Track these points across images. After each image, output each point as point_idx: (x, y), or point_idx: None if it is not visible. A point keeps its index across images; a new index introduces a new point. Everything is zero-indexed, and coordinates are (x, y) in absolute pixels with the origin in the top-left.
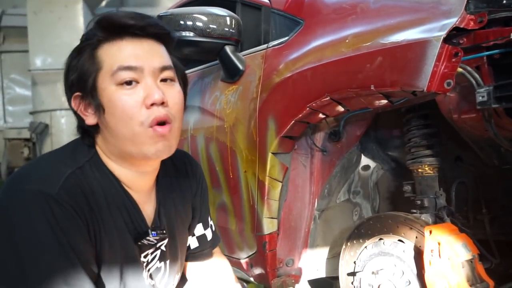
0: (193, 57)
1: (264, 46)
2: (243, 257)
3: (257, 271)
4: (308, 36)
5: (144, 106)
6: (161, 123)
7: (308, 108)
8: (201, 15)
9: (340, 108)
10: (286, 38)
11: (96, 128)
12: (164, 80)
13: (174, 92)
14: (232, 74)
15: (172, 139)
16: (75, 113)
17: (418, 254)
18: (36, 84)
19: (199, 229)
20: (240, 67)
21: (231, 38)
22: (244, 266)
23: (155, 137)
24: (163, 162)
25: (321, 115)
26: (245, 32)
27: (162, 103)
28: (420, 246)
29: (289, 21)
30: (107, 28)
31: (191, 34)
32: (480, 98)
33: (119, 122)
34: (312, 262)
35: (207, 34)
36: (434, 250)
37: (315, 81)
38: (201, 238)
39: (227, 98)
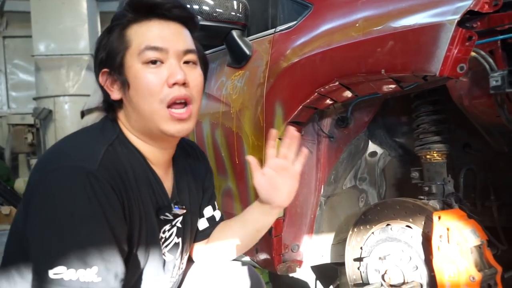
0: (199, 41)
1: (272, 30)
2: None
3: (262, 256)
4: (317, 20)
5: (166, 84)
6: (180, 102)
7: (316, 93)
8: None
9: (349, 94)
10: (294, 22)
11: (119, 103)
12: (186, 62)
13: (195, 75)
14: (239, 59)
15: (191, 120)
16: (102, 88)
17: (426, 240)
18: (40, 70)
19: (208, 211)
20: (247, 52)
21: (238, 22)
22: (250, 251)
23: (172, 118)
24: (180, 143)
25: (329, 101)
26: (252, 16)
27: (184, 84)
28: (428, 232)
29: (298, 5)
30: (137, 8)
31: (198, 18)
32: (494, 82)
33: (141, 99)
34: (317, 248)
35: (214, 18)
36: (443, 236)
37: (324, 66)
38: (211, 219)
39: (234, 83)
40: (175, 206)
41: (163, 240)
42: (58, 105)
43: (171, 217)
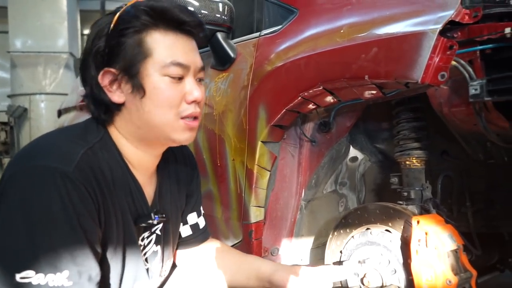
0: None
1: (257, 34)
2: (228, 245)
3: None
4: (302, 25)
5: (184, 100)
6: (192, 117)
7: (300, 97)
8: (193, 0)
9: (332, 99)
10: (280, 27)
11: (118, 106)
12: (198, 79)
13: (203, 92)
14: (223, 61)
15: (196, 130)
16: (98, 87)
17: (405, 244)
18: (16, 67)
19: (192, 218)
20: (232, 54)
21: (223, 24)
22: None
23: (185, 128)
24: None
25: (312, 105)
26: (237, 19)
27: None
28: (406, 236)
29: (283, 10)
30: (159, 16)
31: None
32: (473, 91)
33: (157, 109)
34: (296, 252)
35: None
36: (421, 240)
37: (308, 70)
38: (194, 226)
39: (217, 85)
40: (155, 215)
41: (141, 247)
42: (33, 103)
43: (152, 224)
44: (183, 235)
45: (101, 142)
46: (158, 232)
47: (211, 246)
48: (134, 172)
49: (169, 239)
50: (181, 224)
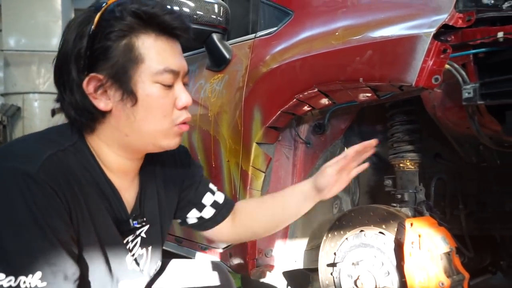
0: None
1: (252, 36)
2: (223, 246)
3: (236, 261)
4: (297, 27)
5: (175, 107)
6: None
7: (295, 99)
8: (189, 1)
9: (327, 101)
10: (275, 28)
11: (103, 114)
12: (184, 83)
13: (190, 97)
14: (218, 62)
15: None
16: (82, 94)
17: (398, 246)
18: (9, 65)
19: (208, 199)
20: (227, 56)
21: (218, 26)
22: (223, 255)
23: (178, 134)
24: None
25: (307, 107)
26: (232, 21)
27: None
28: (400, 238)
29: (278, 12)
30: (148, 21)
31: None
32: (466, 94)
33: (149, 117)
34: (290, 253)
35: (194, 20)
36: (414, 242)
37: (304, 72)
38: (215, 204)
39: (212, 86)
40: (134, 221)
41: (129, 250)
42: (27, 102)
43: (132, 229)
44: (207, 216)
45: (75, 146)
46: (143, 234)
47: (243, 207)
48: (111, 176)
49: (157, 240)
50: (197, 210)
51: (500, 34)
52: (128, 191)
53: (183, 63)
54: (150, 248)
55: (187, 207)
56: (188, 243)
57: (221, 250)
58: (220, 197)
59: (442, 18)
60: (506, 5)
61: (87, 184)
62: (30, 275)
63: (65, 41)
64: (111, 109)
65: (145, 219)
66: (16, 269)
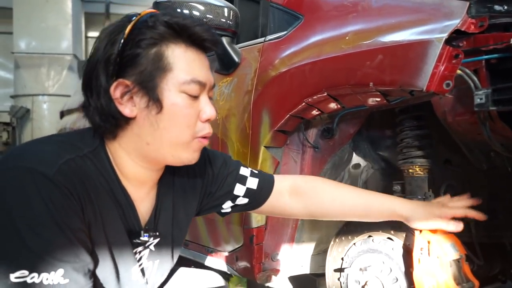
0: None
1: (261, 39)
2: (229, 250)
3: (242, 264)
4: (307, 31)
5: (199, 119)
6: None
7: (304, 103)
8: (199, 4)
9: (336, 105)
10: (285, 32)
11: (127, 120)
12: (209, 97)
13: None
14: (227, 66)
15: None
16: (109, 99)
17: (407, 252)
18: (19, 67)
19: (239, 189)
20: (236, 59)
21: (228, 29)
22: (229, 259)
23: (198, 148)
24: None
25: (316, 111)
26: (242, 24)
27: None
28: (409, 244)
29: (288, 16)
30: (180, 32)
31: None
32: (478, 100)
33: (174, 126)
34: (297, 258)
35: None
36: (423, 249)
37: (313, 76)
38: (248, 193)
39: (221, 89)
40: (145, 234)
41: (137, 260)
42: (36, 104)
43: (142, 242)
44: (240, 203)
45: (94, 152)
46: (151, 247)
47: (317, 186)
48: (127, 186)
49: (167, 254)
50: (231, 202)
51: None
52: (143, 203)
53: (210, 76)
54: (157, 262)
55: (220, 202)
56: (194, 246)
57: (227, 254)
58: (253, 183)
59: (454, 23)
60: None
61: (103, 191)
62: (53, 272)
63: (96, 49)
64: (135, 116)
65: (157, 233)
66: (39, 266)
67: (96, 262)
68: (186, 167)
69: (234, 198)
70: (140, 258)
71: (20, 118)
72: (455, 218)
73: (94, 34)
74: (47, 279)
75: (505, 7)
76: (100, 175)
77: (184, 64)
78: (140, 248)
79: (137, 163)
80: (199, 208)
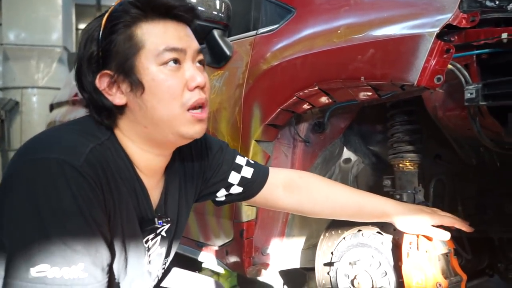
0: None
1: (253, 32)
2: (219, 244)
3: (233, 258)
4: (299, 25)
5: (186, 88)
6: (198, 106)
7: (295, 97)
8: None
9: (327, 99)
10: (277, 26)
11: (121, 109)
12: (198, 63)
13: (206, 77)
14: (219, 59)
15: (206, 122)
16: (97, 92)
17: (396, 246)
18: (8, 59)
19: (234, 177)
20: (227, 52)
21: (219, 22)
22: (219, 253)
23: (194, 120)
24: None
25: (307, 105)
26: (234, 17)
27: (202, 87)
28: (398, 239)
29: (280, 9)
30: (148, 7)
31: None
32: (469, 95)
33: (160, 102)
34: (287, 252)
35: None
36: (412, 243)
37: (304, 70)
38: (242, 181)
39: (212, 83)
40: (159, 220)
41: (147, 249)
42: (25, 97)
43: (155, 228)
44: (234, 192)
45: (109, 141)
46: (163, 233)
47: (309, 182)
48: (141, 176)
49: (175, 238)
50: (225, 190)
51: (504, 35)
52: (154, 190)
53: (190, 42)
54: (168, 247)
55: (214, 189)
56: (185, 240)
57: (217, 248)
58: (248, 172)
59: (446, 17)
60: (510, 6)
61: (120, 180)
62: (74, 266)
63: (79, 48)
64: (126, 103)
65: (168, 218)
66: (61, 261)
67: (113, 256)
68: (185, 152)
69: (228, 186)
70: (153, 245)
71: (9, 111)
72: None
73: (84, 26)
74: (68, 273)
75: (497, 2)
76: (117, 163)
77: (154, 37)
78: (152, 235)
79: (145, 150)
80: (197, 194)
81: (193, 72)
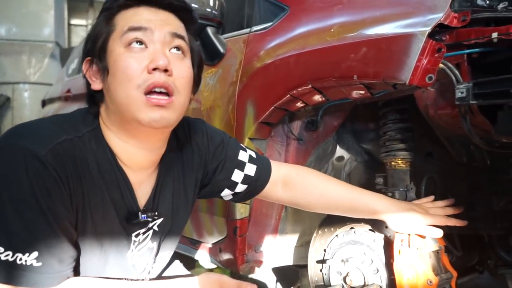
0: None
1: (247, 30)
2: (212, 241)
3: (226, 256)
4: (292, 23)
5: (146, 70)
6: (160, 92)
7: (288, 95)
8: None
9: (320, 97)
10: (270, 23)
11: (101, 95)
12: (175, 49)
13: (182, 65)
14: (212, 56)
15: (172, 111)
16: (85, 78)
17: (387, 244)
18: None
19: (237, 175)
20: (221, 50)
21: (213, 19)
22: (213, 250)
23: (149, 105)
24: (169, 139)
25: (300, 103)
26: (227, 15)
27: (166, 71)
28: (389, 236)
29: (274, 7)
30: None
31: (195, 12)
32: (459, 94)
33: (118, 85)
34: (280, 250)
35: None
36: (404, 240)
37: (298, 68)
38: (246, 179)
39: (206, 80)
40: (143, 215)
41: (136, 243)
42: (17, 92)
43: (143, 222)
44: (239, 190)
45: (92, 133)
46: (155, 228)
47: (306, 179)
48: (125, 169)
49: (171, 234)
50: (229, 190)
51: (495, 35)
52: (143, 184)
53: (162, 25)
54: (161, 241)
55: (218, 188)
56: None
57: (210, 245)
58: (251, 170)
59: (438, 17)
60: (501, 6)
61: (97, 173)
62: (27, 254)
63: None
64: (101, 88)
65: (156, 213)
66: (15, 246)
67: (82, 249)
68: (185, 143)
69: (232, 184)
70: (144, 239)
71: (0, 107)
72: None
73: (77, 21)
74: (20, 259)
75: (487, 2)
76: (97, 156)
77: (124, 20)
78: (143, 230)
79: (124, 141)
80: (198, 188)
81: (156, 54)
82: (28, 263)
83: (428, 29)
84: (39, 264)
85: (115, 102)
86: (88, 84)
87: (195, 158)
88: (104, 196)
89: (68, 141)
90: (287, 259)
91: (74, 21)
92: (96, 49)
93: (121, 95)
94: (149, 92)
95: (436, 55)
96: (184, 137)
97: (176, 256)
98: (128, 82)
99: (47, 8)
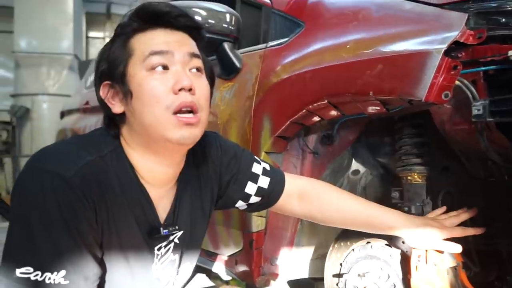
0: None
1: (263, 45)
2: (228, 253)
3: (242, 268)
4: (308, 38)
5: (172, 91)
6: (187, 111)
7: (305, 110)
8: (201, 10)
9: (336, 112)
10: (286, 39)
11: (122, 118)
12: (193, 69)
13: (202, 83)
14: (229, 71)
15: (199, 128)
16: (102, 102)
17: (404, 259)
18: (19, 67)
19: (250, 188)
20: (238, 64)
21: (230, 35)
22: (229, 262)
23: (179, 124)
24: (187, 155)
25: (316, 118)
26: (244, 30)
27: (190, 90)
28: (406, 251)
29: (290, 23)
30: (142, 17)
31: (204, 29)
32: (476, 111)
33: (145, 107)
34: (296, 262)
35: (206, 29)
36: (421, 256)
37: (314, 84)
38: (259, 191)
39: (222, 94)
40: (164, 230)
41: (159, 257)
42: (36, 103)
43: (164, 236)
44: (253, 201)
45: (114, 152)
46: (176, 240)
47: (321, 193)
48: (147, 186)
49: (191, 246)
50: (243, 202)
51: (511, 52)
52: (163, 199)
53: (180, 47)
54: (182, 253)
55: (232, 200)
56: None
57: (226, 257)
58: (264, 182)
59: (453, 35)
60: None
61: (120, 191)
62: (55, 272)
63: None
64: (123, 111)
65: (177, 226)
66: (44, 265)
67: (108, 266)
68: (200, 157)
69: (246, 196)
70: (166, 252)
71: (19, 118)
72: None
73: (95, 34)
74: (49, 278)
75: (503, 20)
76: (120, 175)
77: (142, 44)
78: (164, 243)
79: (147, 159)
80: (214, 200)
81: (179, 75)
82: (56, 281)
83: (444, 46)
84: (67, 282)
85: (143, 123)
86: (106, 107)
87: (210, 171)
88: (127, 212)
89: (91, 162)
90: (303, 272)
91: (92, 34)
92: (116, 74)
93: (149, 116)
94: (177, 111)
95: (452, 72)
96: (200, 152)
97: (196, 269)
98: (156, 104)
99: (65, 21)
